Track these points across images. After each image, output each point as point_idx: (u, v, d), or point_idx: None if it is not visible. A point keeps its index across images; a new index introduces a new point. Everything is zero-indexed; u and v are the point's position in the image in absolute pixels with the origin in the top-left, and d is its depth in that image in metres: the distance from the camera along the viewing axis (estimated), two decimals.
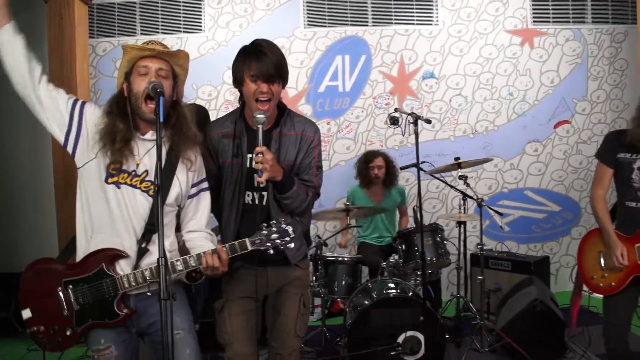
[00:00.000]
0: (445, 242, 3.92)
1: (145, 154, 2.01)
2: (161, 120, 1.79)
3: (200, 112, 2.92)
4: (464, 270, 4.43)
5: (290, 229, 2.00)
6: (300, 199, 2.27)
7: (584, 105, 5.39)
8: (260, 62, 2.17)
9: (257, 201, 2.30)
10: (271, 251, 1.98)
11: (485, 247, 4.91)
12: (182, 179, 2.06)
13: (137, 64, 2.00)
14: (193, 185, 2.12)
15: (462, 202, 4.15)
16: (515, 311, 3.80)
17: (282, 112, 2.34)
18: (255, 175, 2.12)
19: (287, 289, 2.41)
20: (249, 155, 2.26)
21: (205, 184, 2.17)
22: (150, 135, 2.01)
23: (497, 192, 5.35)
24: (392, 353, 3.26)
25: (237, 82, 2.27)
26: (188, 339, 2.05)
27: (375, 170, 4.43)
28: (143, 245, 1.97)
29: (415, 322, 3.26)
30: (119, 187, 1.96)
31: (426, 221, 3.99)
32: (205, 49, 4.86)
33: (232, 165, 2.30)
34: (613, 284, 2.75)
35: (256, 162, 2.09)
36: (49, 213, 4.43)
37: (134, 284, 1.94)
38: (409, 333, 3.28)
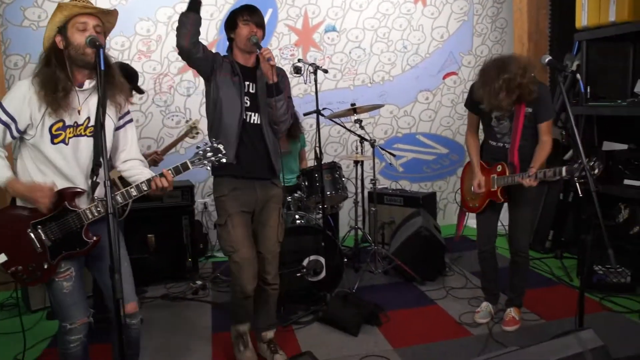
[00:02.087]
0: (343, 178, 4.33)
1: (84, 102, 2.28)
2: (102, 68, 2.02)
3: (124, 69, 3.24)
4: (361, 206, 4.96)
5: (221, 146, 2.39)
6: (284, 106, 2.89)
7: (469, 59, 5.92)
8: (252, 12, 2.87)
9: (254, 120, 2.89)
10: (208, 168, 2.38)
11: (381, 186, 5.50)
12: (112, 117, 2.36)
13: (74, 20, 2.21)
14: (119, 119, 2.42)
15: (359, 144, 4.62)
16: (403, 237, 4.37)
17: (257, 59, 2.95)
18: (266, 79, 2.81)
19: (269, 204, 3.01)
20: (246, 83, 2.87)
21: (129, 117, 2.49)
22: (88, 84, 2.27)
23: (392, 136, 5.78)
24: (298, 274, 3.69)
25: (230, 27, 2.91)
26: (124, 253, 2.41)
27: None
28: (94, 179, 2.27)
29: (317, 248, 3.70)
30: (67, 144, 2.23)
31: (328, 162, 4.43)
32: (117, 0, 4.88)
33: (232, 83, 2.85)
34: (477, 204, 3.41)
35: (267, 57, 2.73)
36: None
37: (96, 214, 2.24)
38: (312, 257, 3.71)
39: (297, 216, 3.96)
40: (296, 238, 3.72)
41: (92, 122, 2.29)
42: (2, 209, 2.33)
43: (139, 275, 3.38)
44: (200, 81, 5.11)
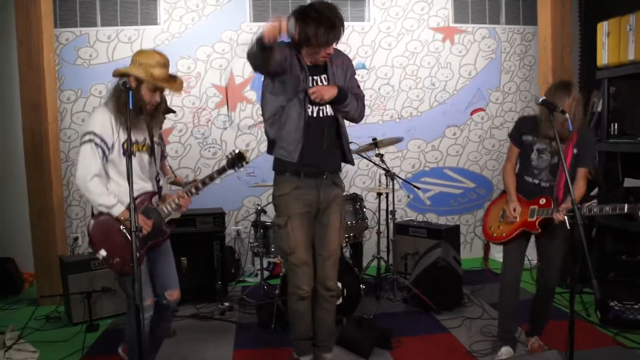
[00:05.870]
0: (364, 209, 4.52)
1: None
2: (130, 107, 2.47)
3: None
4: (386, 237, 5.10)
5: (247, 153, 3.01)
6: (355, 107, 2.95)
7: (497, 95, 6.05)
8: (331, 32, 2.71)
9: (319, 114, 2.91)
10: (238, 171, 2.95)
11: (407, 218, 5.66)
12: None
13: (151, 85, 2.76)
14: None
15: (386, 178, 4.79)
16: (422, 267, 4.50)
17: None
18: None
19: (332, 206, 3.04)
20: (310, 77, 2.86)
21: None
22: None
23: (420, 170, 5.94)
24: None
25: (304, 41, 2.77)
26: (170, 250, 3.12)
27: None
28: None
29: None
30: (134, 156, 2.78)
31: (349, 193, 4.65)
32: (160, 40, 5.31)
33: (296, 79, 2.82)
34: (504, 234, 3.37)
35: (314, 99, 2.78)
36: (20, 188, 4.89)
37: (169, 210, 2.94)
38: None
39: None
40: None
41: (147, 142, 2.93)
42: (96, 215, 2.81)
43: None
44: (236, 115, 5.50)
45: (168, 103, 3.98)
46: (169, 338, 3.88)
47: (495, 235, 3.45)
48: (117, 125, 2.72)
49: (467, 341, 3.72)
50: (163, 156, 3.75)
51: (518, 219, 3.30)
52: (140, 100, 2.75)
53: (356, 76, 3.12)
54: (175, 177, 3.45)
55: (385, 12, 5.76)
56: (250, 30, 5.49)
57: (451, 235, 5.17)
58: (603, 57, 4.55)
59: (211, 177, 3.00)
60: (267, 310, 4.05)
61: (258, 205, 4.57)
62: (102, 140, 2.69)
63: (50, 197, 4.63)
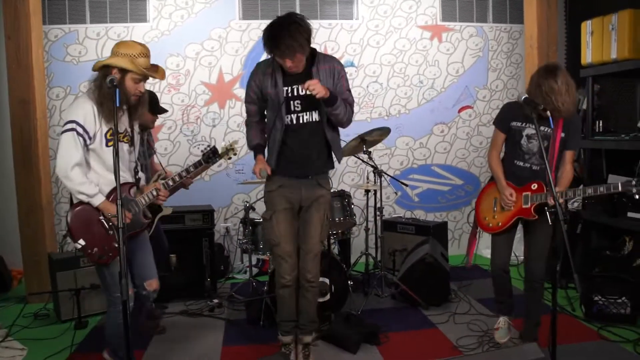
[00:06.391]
0: (352, 206, 4.58)
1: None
2: (117, 105, 2.48)
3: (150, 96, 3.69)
4: (374, 234, 5.15)
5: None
6: (343, 111, 3.06)
7: (484, 93, 6.09)
8: (278, 48, 2.85)
9: (298, 121, 3.10)
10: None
11: (395, 215, 5.70)
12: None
13: (135, 75, 2.79)
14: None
15: (374, 175, 4.82)
16: (410, 263, 4.55)
17: (313, 54, 3.07)
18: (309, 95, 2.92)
19: (314, 204, 3.22)
20: (284, 88, 3.03)
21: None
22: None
23: (408, 167, 5.98)
24: None
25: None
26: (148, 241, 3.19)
27: None
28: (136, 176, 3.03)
29: (323, 270, 3.84)
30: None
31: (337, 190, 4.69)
32: (149, 37, 5.31)
33: (271, 95, 3.06)
34: (500, 223, 3.41)
35: (311, 92, 2.85)
36: (9, 186, 4.90)
37: (147, 201, 2.98)
38: (320, 279, 3.94)
39: None
40: None
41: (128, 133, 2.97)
42: (75, 205, 2.82)
43: (161, 292, 3.70)
44: (225, 112, 5.52)
45: (160, 102, 4.01)
46: (158, 335, 3.92)
47: (491, 225, 3.48)
48: (99, 115, 2.74)
49: (454, 336, 3.77)
50: (151, 153, 3.81)
51: (515, 200, 3.33)
52: (126, 93, 2.78)
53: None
54: (166, 173, 3.49)
55: (374, 10, 5.79)
56: (239, 28, 5.50)
57: (439, 231, 5.20)
58: (587, 56, 4.62)
59: (187, 171, 3.18)
60: (256, 307, 4.07)
61: (247, 202, 4.58)
62: (84, 129, 2.71)
63: (39, 194, 4.62)
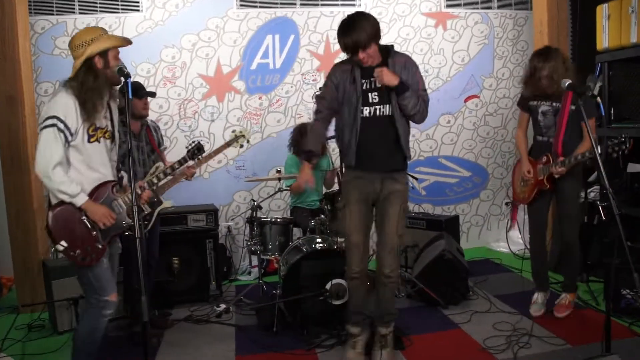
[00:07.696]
0: None
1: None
2: (130, 97, 2.46)
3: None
4: None
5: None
6: (414, 102, 3.04)
7: (490, 82, 5.94)
8: (350, 37, 2.95)
9: (371, 114, 3.11)
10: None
11: None
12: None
13: (115, 50, 2.71)
14: None
15: None
16: (426, 261, 4.35)
17: (388, 50, 3.15)
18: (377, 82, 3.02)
19: (390, 198, 3.20)
20: (362, 81, 3.08)
21: None
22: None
23: (415, 159, 5.76)
24: (321, 298, 3.67)
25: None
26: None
27: None
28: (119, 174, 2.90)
29: (340, 271, 3.65)
30: (99, 142, 2.71)
31: None
32: (143, 28, 5.03)
33: (349, 89, 3.11)
34: (526, 195, 3.85)
35: (380, 78, 2.95)
36: None
37: (128, 201, 2.80)
38: (335, 281, 3.68)
39: (319, 240, 3.98)
40: (318, 262, 3.75)
41: (109, 128, 2.82)
42: (55, 205, 2.66)
43: (163, 297, 3.44)
44: (224, 106, 5.26)
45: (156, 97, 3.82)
46: (167, 329, 3.87)
47: (521, 197, 3.93)
48: (81, 110, 2.61)
49: (480, 337, 3.58)
50: (152, 148, 3.64)
51: (532, 176, 3.74)
52: (112, 77, 2.71)
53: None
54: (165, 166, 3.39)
55: None
56: (237, 18, 5.24)
57: (451, 225, 5.04)
58: (603, 41, 4.45)
59: (172, 168, 3.26)
60: (268, 312, 3.84)
61: (253, 200, 4.34)
62: (65, 125, 2.58)
63: (29, 195, 4.33)
